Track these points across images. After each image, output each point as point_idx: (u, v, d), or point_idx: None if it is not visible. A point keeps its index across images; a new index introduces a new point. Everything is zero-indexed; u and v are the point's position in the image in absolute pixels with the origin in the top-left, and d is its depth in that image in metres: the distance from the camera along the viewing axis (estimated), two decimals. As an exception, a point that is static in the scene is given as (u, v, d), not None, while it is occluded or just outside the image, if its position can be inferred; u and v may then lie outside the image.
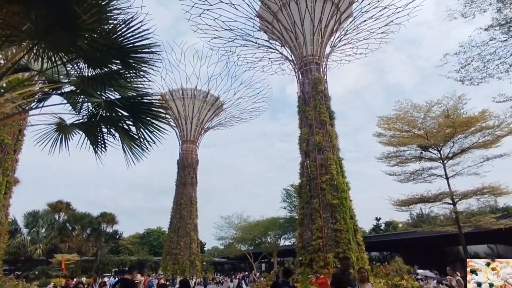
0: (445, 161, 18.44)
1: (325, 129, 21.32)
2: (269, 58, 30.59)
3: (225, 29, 27.16)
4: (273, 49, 28.58)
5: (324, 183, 19.61)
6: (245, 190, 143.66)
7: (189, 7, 25.18)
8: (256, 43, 28.41)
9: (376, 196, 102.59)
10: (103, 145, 6.52)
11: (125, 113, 6.05)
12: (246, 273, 41.95)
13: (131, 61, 5.52)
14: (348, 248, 17.61)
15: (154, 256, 50.13)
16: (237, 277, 39.96)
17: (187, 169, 39.85)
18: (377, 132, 20.57)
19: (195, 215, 38.48)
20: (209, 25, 27.00)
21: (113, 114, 6.07)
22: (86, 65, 5.44)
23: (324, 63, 24.65)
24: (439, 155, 18.64)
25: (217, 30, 27.63)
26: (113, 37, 4.88)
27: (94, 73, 5.64)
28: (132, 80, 6.07)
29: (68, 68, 5.68)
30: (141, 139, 6.23)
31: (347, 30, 27.09)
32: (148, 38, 5.08)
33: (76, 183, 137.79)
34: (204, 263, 44.98)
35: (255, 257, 40.11)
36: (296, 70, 25.34)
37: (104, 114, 6.10)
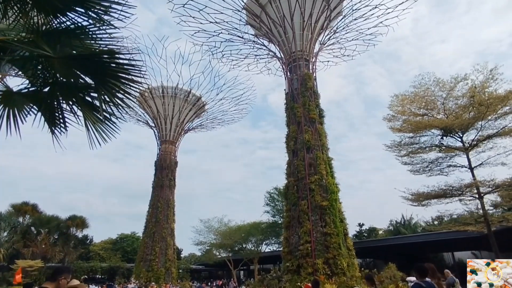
0: (469, 149, 16.33)
1: (314, 127, 20.25)
2: (255, 55, 29.42)
3: (210, 22, 25.75)
4: (260, 44, 27.44)
5: (313, 183, 18.40)
6: (225, 197, 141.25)
7: (173, -4, 23.70)
8: (242, 37, 27.20)
9: (355, 204, 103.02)
10: (62, 124, 4.94)
11: (87, 79, 4.53)
12: (225, 280, 40.07)
13: (95, 9, 4.04)
14: (338, 253, 16.40)
15: (127, 262, 47.33)
16: (214, 285, 37.95)
17: (165, 170, 37.78)
18: (389, 115, 18.56)
19: (172, 219, 36.35)
20: (193, 17, 25.55)
21: (72, 79, 4.53)
22: (37, 12, 3.94)
23: (313, 59, 23.70)
24: (461, 142, 16.57)
25: (201, 23, 26.19)
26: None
27: (48, 26, 4.11)
28: (98, 37, 4.56)
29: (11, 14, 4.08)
30: (108, 112, 4.70)
31: (336, 28, 26.40)
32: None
33: (48, 186, 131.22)
34: (180, 271, 42.69)
35: (235, 264, 38.37)
36: (284, 67, 24.27)
37: (60, 79, 4.54)
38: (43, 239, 37.17)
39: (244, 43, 27.91)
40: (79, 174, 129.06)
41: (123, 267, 45.14)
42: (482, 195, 15.95)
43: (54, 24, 4.17)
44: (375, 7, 25.37)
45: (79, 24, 4.21)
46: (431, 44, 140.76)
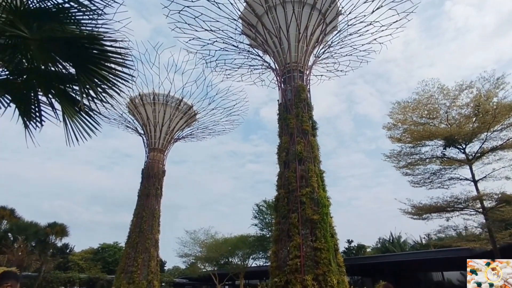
0: (472, 161, 15.62)
1: (307, 139, 19.92)
2: (250, 65, 29.28)
3: (206, 30, 25.58)
4: (255, 54, 27.33)
5: (304, 196, 17.91)
6: (213, 209, 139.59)
7: (169, 2, 23.49)
8: (237, 47, 27.05)
9: (343, 221, 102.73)
10: (38, 117, 4.44)
11: (68, 67, 4.08)
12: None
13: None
14: (328, 269, 15.80)
15: (107, 274, 45.52)
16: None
17: (152, 179, 36.71)
18: (389, 123, 17.80)
19: (156, 230, 35.08)
20: (189, 24, 25.35)
21: (50, 66, 4.06)
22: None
23: (307, 72, 23.62)
24: (464, 154, 15.89)
25: (196, 31, 26.00)
26: None
27: (26, 6, 3.71)
28: (82, 23, 4.12)
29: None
30: (88, 107, 4.25)
31: (331, 43, 26.53)
32: None
33: (31, 192, 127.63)
34: (163, 284, 41.24)
35: (220, 278, 37.23)
36: (278, 77, 24.14)
37: (38, 67, 4.06)
38: (19, 246, 35.51)
39: (239, 52, 27.80)
40: (63, 180, 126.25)
41: (103, 278, 43.39)
42: (486, 209, 15.22)
43: (33, 5, 3.75)
44: (370, 24, 25.64)
45: (62, 6, 3.78)
46: (420, 67, 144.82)
